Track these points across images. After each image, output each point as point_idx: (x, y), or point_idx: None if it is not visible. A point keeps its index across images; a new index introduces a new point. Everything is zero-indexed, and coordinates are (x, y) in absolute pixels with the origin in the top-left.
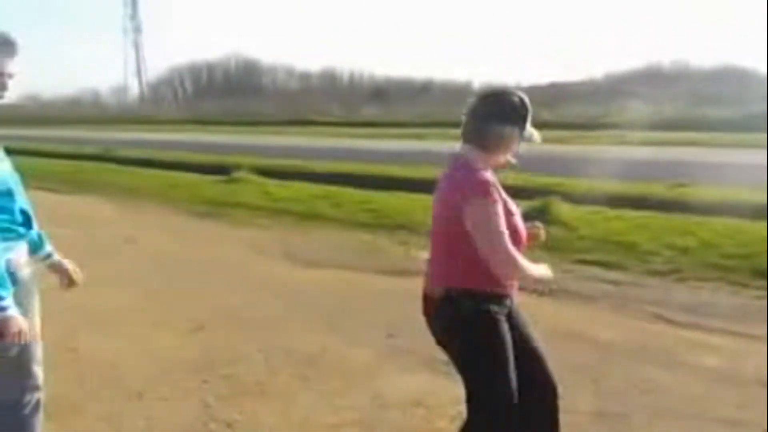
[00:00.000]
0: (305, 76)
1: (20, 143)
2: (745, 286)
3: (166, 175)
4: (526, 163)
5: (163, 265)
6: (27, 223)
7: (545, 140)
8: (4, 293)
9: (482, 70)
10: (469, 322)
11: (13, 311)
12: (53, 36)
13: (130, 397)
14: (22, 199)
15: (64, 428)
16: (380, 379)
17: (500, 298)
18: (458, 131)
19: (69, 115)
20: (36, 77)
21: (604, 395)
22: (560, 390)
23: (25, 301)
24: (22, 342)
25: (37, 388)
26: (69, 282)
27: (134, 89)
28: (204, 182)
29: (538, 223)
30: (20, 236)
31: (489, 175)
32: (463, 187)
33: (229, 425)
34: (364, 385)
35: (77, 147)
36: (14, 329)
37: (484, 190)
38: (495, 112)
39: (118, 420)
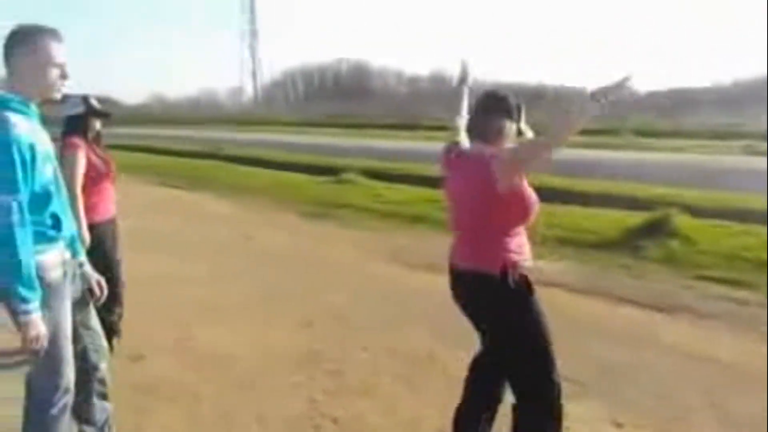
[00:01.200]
0: (414, 80)
1: (145, 141)
2: None
3: (276, 174)
4: (642, 173)
5: (276, 262)
6: (57, 226)
7: (662, 149)
8: (29, 296)
9: (594, 76)
10: (507, 298)
11: (36, 315)
12: (177, 39)
13: (242, 387)
14: (59, 204)
15: (183, 413)
16: None
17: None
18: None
19: (189, 116)
20: (162, 79)
21: (727, 420)
22: (678, 411)
23: (54, 304)
24: (39, 346)
25: (67, 390)
26: (91, 294)
27: (249, 91)
28: (313, 183)
29: None
30: (50, 239)
31: None
32: (483, 165)
33: (334, 421)
34: None
35: (195, 145)
36: (33, 333)
37: (493, 154)
38: (495, 109)
39: (231, 408)
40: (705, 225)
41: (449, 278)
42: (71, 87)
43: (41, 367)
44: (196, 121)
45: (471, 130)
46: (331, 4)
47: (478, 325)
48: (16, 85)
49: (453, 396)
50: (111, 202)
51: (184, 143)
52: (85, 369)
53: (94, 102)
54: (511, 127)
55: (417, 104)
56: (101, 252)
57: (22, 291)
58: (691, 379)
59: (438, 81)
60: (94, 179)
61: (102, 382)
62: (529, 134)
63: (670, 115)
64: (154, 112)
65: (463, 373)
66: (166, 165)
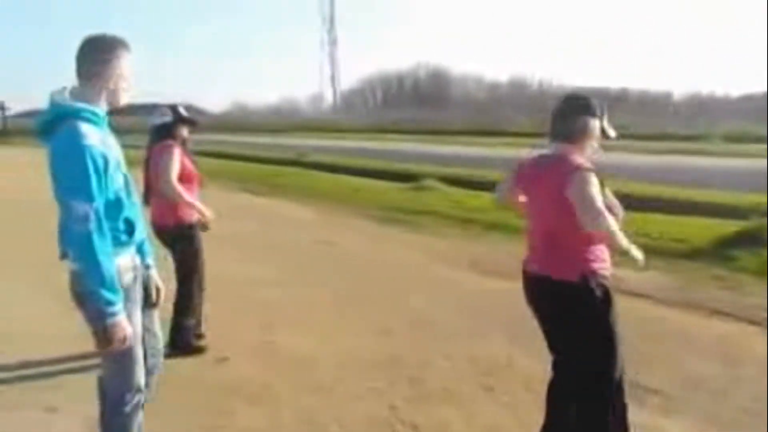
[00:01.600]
0: (494, 86)
1: (227, 148)
2: None
3: (355, 180)
4: (736, 181)
5: (354, 267)
6: (130, 231)
7: (753, 155)
8: (114, 298)
9: (682, 79)
10: (589, 309)
11: (122, 317)
12: (258, 49)
13: (321, 391)
14: (131, 209)
15: (264, 415)
16: None
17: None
18: (653, 144)
19: (270, 123)
20: (243, 89)
21: None
22: None
23: (127, 305)
24: (125, 346)
25: (139, 389)
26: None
27: (329, 98)
28: (392, 189)
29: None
30: (123, 244)
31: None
32: (565, 170)
33: (414, 428)
34: None
35: (275, 152)
36: (120, 334)
37: (580, 166)
38: (578, 109)
39: (310, 411)
40: None
41: (524, 283)
42: (163, 95)
43: (114, 369)
44: (277, 129)
45: (554, 132)
46: (410, 11)
47: (549, 330)
48: (86, 94)
49: (533, 403)
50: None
51: (265, 150)
52: None
53: (182, 111)
54: (595, 125)
55: (496, 110)
56: (188, 253)
57: (107, 294)
58: None
59: (517, 86)
60: (183, 182)
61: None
62: (612, 133)
63: (761, 119)
64: (237, 120)
65: (542, 380)
66: (247, 171)
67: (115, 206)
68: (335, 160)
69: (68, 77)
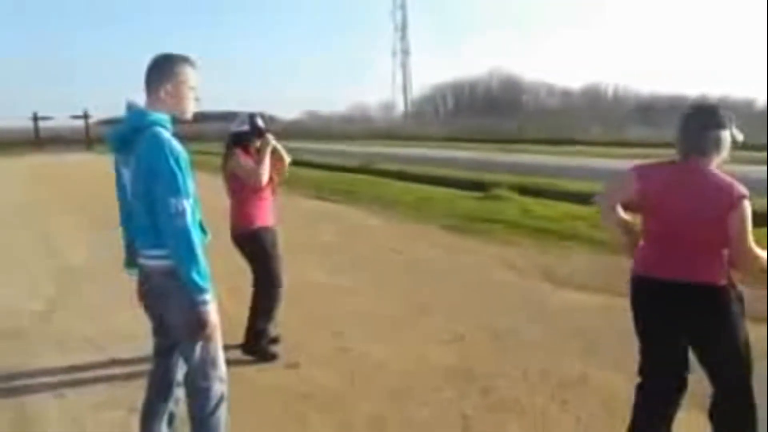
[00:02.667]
0: (567, 94)
1: (299, 155)
2: None
3: (424, 188)
4: None
5: (425, 276)
6: (203, 231)
7: None
8: (206, 286)
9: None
10: (734, 314)
11: (213, 305)
12: (330, 55)
13: (393, 399)
14: (200, 211)
15: (335, 422)
16: None
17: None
18: (735, 153)
19: (342, 130)
20: (315, 96)
21: None
22: None
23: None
24: (210, 333)
25: (222, 379)
26: None
27: (400, 106)
28: (462, 197)
29: None
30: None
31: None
32: (729, 196)
33: None
34: (626, 416)
35: (347, 160)
36: (210, 319)
37: (744, 196)
38: (710, 122)
39: (381, 419)
40: None
41: (644, 289)
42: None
43: (201, 358)
44: (348, 136)
45: (687, 145)
46: (483, 17)
47: (673, 336)
48: (157, 106)
49: (607, 418)
50: (270, 211)
51: (336, 157)
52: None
53: (259, 120)
54: (727, 137)
55: (569, 119)
56: (259, 255)
57: (203, 283)
58: None
59: (590, 95)
60: (251, 189)
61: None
62: (740, 137)
63: None
64: (308, 127)
65: (617, 394)
66: (319, 179)
67: (195, 204)
68: (405, 167)
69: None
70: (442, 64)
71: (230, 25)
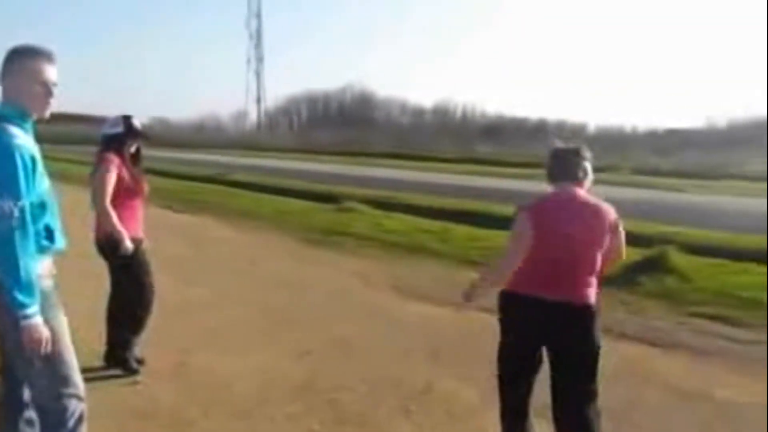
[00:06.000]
0: (418, 111)
1: (147, 163)
2: None
3: (278, 200)
4: (641, 210)
5: (277, 288)
6: (50, 238)
7: (661, 187)
8: (29, 301)
9: (596, 112)
10: (597, 328)
11: (37, 319)
12: (180, 63)
13: (238, 416)
14: (52, 216)
15: None
16: (484, 419)
17: None
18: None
19: (192, 139)
20: (164, 102)
21: None
22: None
23: (49, 310)
24: (43, 350)
25: (77, 397)
26: None
27: (253, 116)
28: (315, 210)
29: None
30: (43, 249)
31: None
32: (610, 219)
33: None
34: (469, 424)
35: (198, 169)
36: (36, 336)
37: (617, 217)
38: (578, 156)
39: None
40: (701, 263)
41: (531, 309)
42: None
43: (46, 380)
44: (199, 145)
45: (560, 173)
46: (337, 32)
47: (538, 348)
48: (12, 102)
49: (449, 426)
50: (138, 221)
51: (187, 166)
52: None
53: (135, 123)
54: (589, 168)
55: (420, 135)
56: (129, 270)
57: (21, 295)
58: (686, 417)
59: (441, 113)
60: (122, 197)
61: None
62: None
63: (669, 153)
64: (158, 134)
65: (462, 404)
66: (170, 188)
67: (38, 210)
68: (258, 179)
69: None
70: (296, 76)
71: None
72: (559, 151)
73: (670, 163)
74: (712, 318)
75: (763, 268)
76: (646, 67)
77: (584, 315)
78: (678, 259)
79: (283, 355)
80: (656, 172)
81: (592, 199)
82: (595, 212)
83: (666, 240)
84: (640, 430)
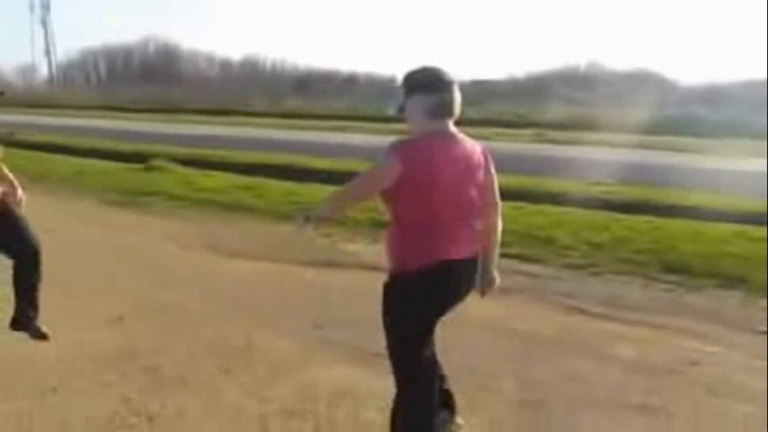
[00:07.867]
0: (226, 64)
1: None
2: (655, 279)
3: (78, 161)
4: None
5: (81, 255)
6: None
7: (472, 136)
8: None
9: (406, 65)
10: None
11: None
12: None
13: (44, 393)
14: None
15: None
16: (307, 370)
17: None
18: (380, 125)
19: None
20: None
21: (525, 384)
22: (482, 380)
23: None
24: None
25: None
26: None
27: (43, 70)
28: (120, 170)
29: None
30: None
31: None
32: (479, 149)
33: (150, 419)
34: (291, 377)
35: None
36: None
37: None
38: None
39: (29, 417)
40: (504, 206)
41: (445, 270)
42: None
43: None
44: None
45: (443, 111)
46: None
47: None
48: None
49: (271, 379)
50: None
51: None
52: None
53: None
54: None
55: (229, 89)
56: None
57: None
58: (494, 350)
59: (250, 66)
60: None
61: None
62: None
63: (475, 103)
64: None
65: (283, 358)
66: None
67: None
68: (53, 139)
69: None
70: (90, 27)
71: None
72: (434, 81)
73: (476, 113)
74: (516, 257)
75: (558, 209)
76: (453, 23)
77: (476, 266)
78: None
79: (92, 326)
80: (465, 122)
81: (461, 134)
82: (469, 149)
83: None
84: (452, 367)
